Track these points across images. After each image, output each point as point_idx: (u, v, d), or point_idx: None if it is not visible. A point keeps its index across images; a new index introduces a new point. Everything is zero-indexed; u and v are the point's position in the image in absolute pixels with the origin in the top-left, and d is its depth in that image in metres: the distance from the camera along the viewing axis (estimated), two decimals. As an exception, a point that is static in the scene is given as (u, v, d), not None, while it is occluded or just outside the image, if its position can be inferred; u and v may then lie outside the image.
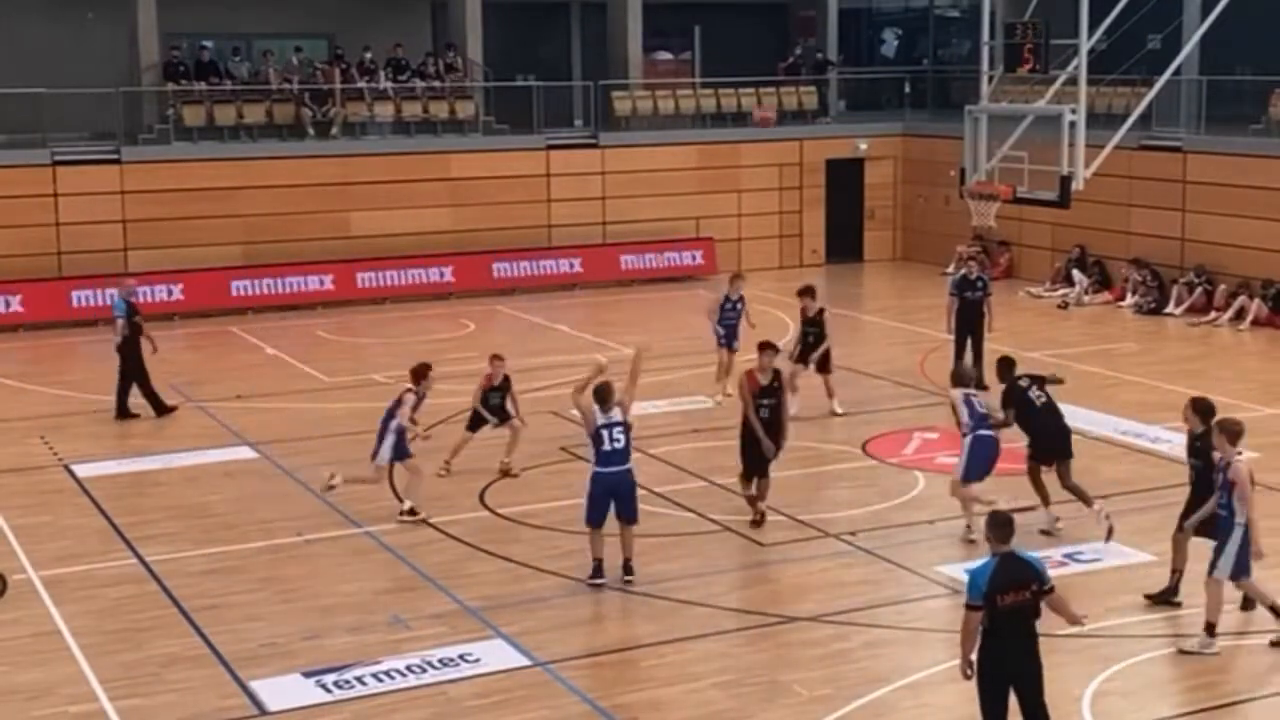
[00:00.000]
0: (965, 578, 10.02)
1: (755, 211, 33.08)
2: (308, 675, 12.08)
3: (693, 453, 18.16)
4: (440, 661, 12.31)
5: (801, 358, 19.88)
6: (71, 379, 23.27)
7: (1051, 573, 10.01)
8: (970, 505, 14.90)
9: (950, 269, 29.11)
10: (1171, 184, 28.35)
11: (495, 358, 17.58)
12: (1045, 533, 15.00)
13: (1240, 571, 12.21)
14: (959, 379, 15.58)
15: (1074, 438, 15.42)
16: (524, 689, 11.85)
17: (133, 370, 20.53)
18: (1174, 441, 18.15)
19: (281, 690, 11.83)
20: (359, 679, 12.02)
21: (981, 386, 17.19)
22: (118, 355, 20.54)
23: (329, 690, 11.83)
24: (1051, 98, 21.39)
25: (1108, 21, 21.26)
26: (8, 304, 27.23)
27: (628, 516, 13.92)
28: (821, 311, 19.96)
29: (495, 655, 12.42)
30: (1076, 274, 29.35)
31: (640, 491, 16.30)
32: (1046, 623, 9.95)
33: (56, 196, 27.83)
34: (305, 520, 16.10)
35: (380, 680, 11.99)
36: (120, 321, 20.51)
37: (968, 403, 14.99)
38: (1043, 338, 25.38)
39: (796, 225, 33.64)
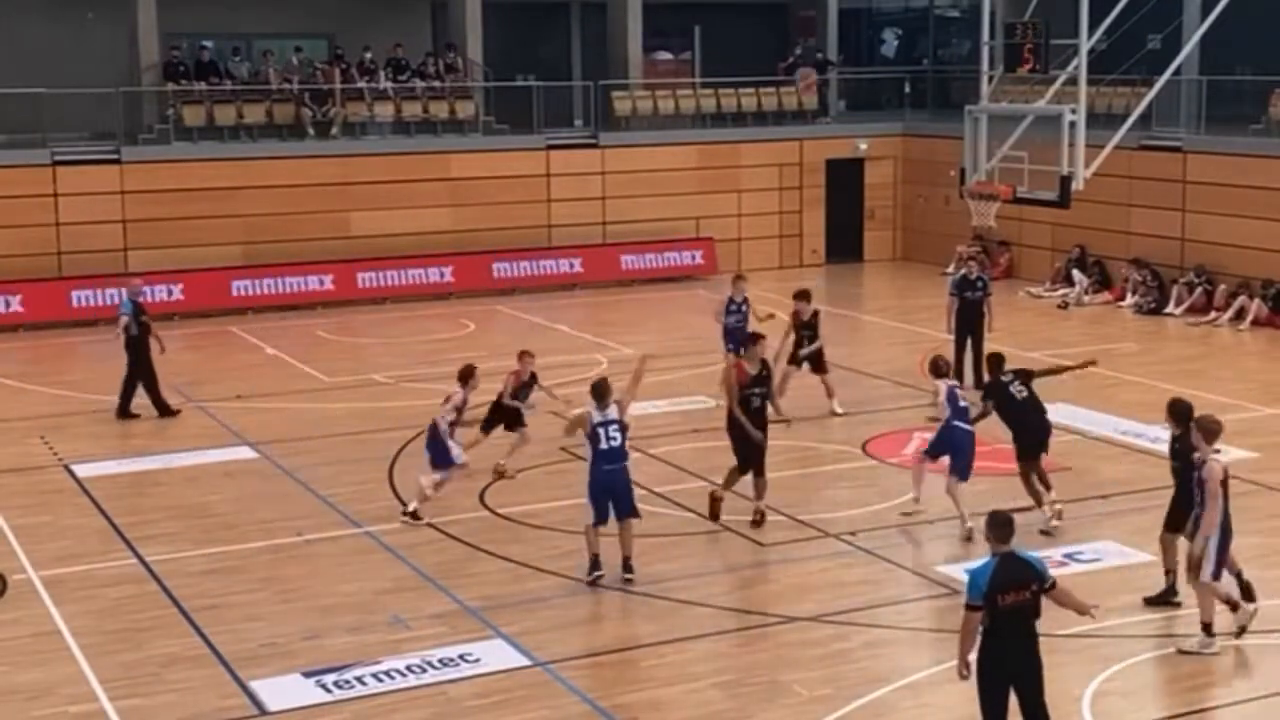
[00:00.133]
0: (965, 578, 10.01)
1: (755, 211, 33.08)
2: (308, 675, 12.07)
3: (693, 453, 18.15)
4: (440, 661, 12.31)
5: (794, 360, 19.95)
6: (71, 379, 23.28)
7: (1052, 572, 10.00)
8: (918, 480, 15.66)
9: (950, 269, 29.10)
10: (1171, 184, 28.35)
11: (525, 354, 17.41)
12: (1045, 533, 15.02)
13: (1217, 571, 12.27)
14: (939, 370, 15.85)
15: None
16: (524, 689, 11.85)
17: (141, 371, 20.55)
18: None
19: (281, 690, 11.83)
20: (359, 679, 12.02)
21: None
22: (126, 354, 20.55)
23: (329, 690, 11.83)
24: (1051, 98, 21.40)
25: (1108, 21, 21.26)
26: (8, 304, 27.24)
27: (625, 511, 13.94)
28: (816, 314, 20.04)
29: (495, 655, 12.42)
30: (1076, 274, 29.35)
31: (640, 491, 16.34)
32: (1046, 623, 9.95)
33: (56, 196, 27.83)
34: (305, 520, 16.10)
35: (380, 680, 11.99)
36: (125, 320, 20.52)
37: (950, 394, 15.35)
38: (1043, 338, 25.37)
39: (796, 225, 33.63)
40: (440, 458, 15.88)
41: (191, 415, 20.72)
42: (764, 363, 15.57)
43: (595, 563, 13.95)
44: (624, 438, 13.87)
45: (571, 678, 12.03)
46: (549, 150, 31.39)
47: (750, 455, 15.37)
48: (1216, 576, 12.25)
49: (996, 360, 15.87)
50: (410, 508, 15.95)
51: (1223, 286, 26.99)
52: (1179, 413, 12.96)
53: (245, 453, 18.88)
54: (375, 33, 32.27)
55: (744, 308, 20.79)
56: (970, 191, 21.57)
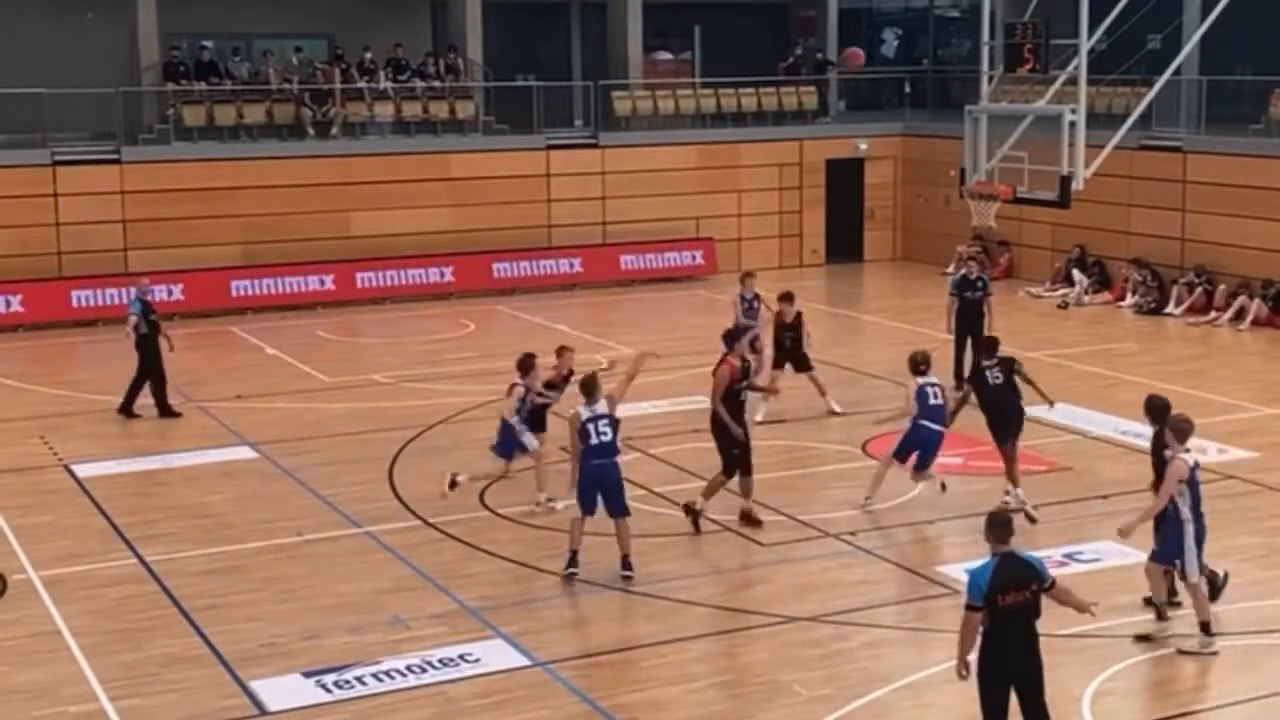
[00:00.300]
0: (965, 578, 10.01)
1: (755, 211, 33.08)
2: (308, 675, 12.08)
3: (693, 453, 18.13)
4: (440, 661, 12.31)
5: (779, 363, 20.01)
6: (71, 379, 23.29)
7: (1052, 572, 10.00)
8: (879, 478, 15.98)
9: (950, 269, 29.10)
10: (1171, 184, 28.35)
11: (564, 349, 16.99)
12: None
13: (1169, 558, 12.33)
14: (916, 366, 15.95)
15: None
16: (524, 689, 11.85)
17: (151, 370, 20.55)
18: (1174, 441, 18.15)
19: (281, 690, 11.83)
20: (359, 679, 12.02)
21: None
22: (137, 354, 20.54)
23: (329, 690, 11.83)
24: (1051, 98, 21.37)
25: (1108, 21, 21.23)
26: (8, 304, 27.24)
27: (617, 510, 13.95)
28: (799, 316, 20.10)
29: (495, 655, 12.42)
30: (1076, 274, 29.35)
31: (640, 491, 16.39)
32: (1046, 623, 9.95)
33: (56, 196, 27.84)
34: (305, 520, 16.10)
35: (380, 680, 11.99)
36: (135, 319, 20.53)
37: (920, 393, 15.63)
38: (1043, 338, 25.38)
39: (796, 225, 33.63)
40: (505, 448, 15.92)
41: (191, 415, 20.71)
42: (744, 358, 15.65)
43: (573, 559, 14.00)
44: (615, 433, 13.89)
45: (571, 678, 12.03)
46: (549, 150, 31.40)
47: (736, 456, 15.33)
48: (1162, 560, 12.39)
49: (990, 344, 16.28)
50: (542, 497, 15.93)
51: (1223, 286, 26.99)
52: (1152, 410, 13.08)
53: (245, 453, 18.88)
54: (375, 33, 32.27)
55: (755, 304, 20.77)
56: (970, 191, 21.54)
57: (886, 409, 17.37)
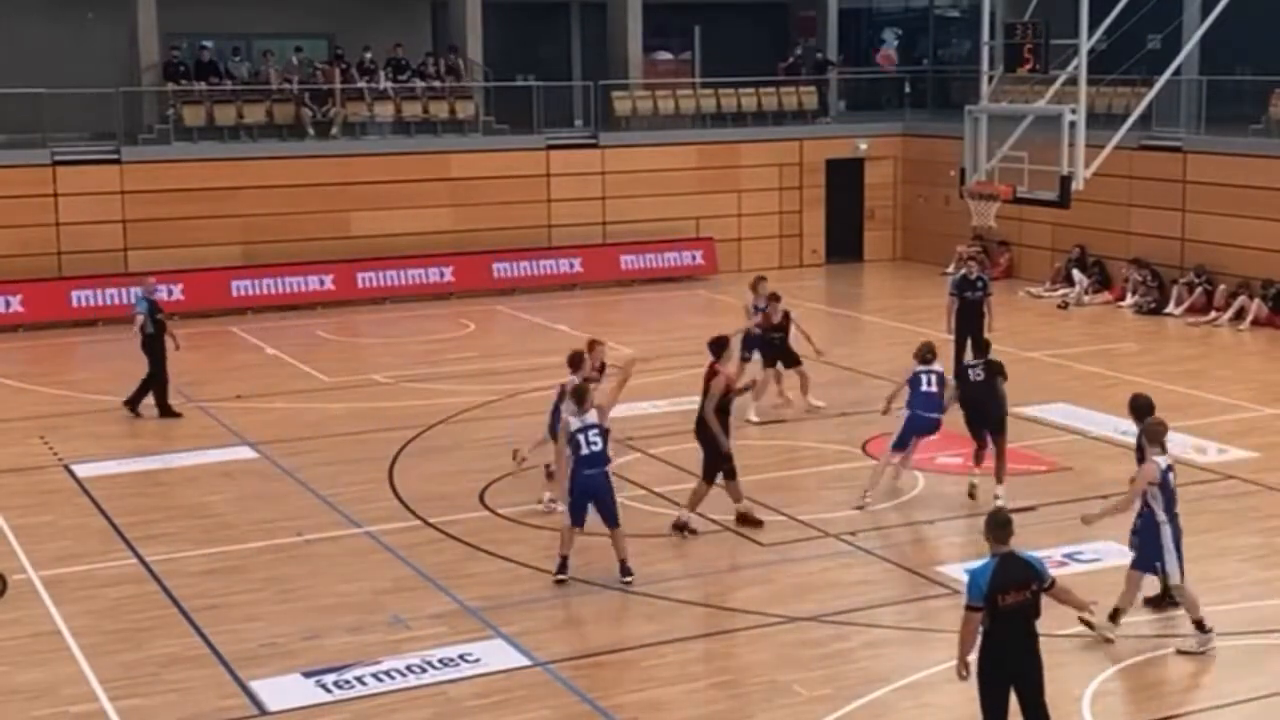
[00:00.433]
0: (965, 578, 10.01)
1: (755, 211, 33.07)
2: (308, 675, 12.08)
3: (693, 453, 18.01)
4: (440, 661, 12.31)
5: (770, 362, 20.06)
6: (71, 379, 23.29)
7: (1051, 572, 10.01)
8: (879, 471, 16.39)
9: (950, 269, 29.11)
10: (1171, 184, 28.35)
11: (595, 343, 16.71)
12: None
13: (1149, 563, 12.35)
14: (922, 355, 16.39)
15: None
16: (524, 689, 11.85)
17: (158, 370, 20.54)
18: (1173, 441, 18.01)
19: (281, 690, 11.83)
20: (359, 679, 12.02)
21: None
22: (145, 354, 20.54)
23: (329, 690, 11.83)
24: (1051, 98, 21.37)
25: (1108, 21, 21.24)
26: (8, 304, 27.23)
27: (608, 520, 13.94)
28: (787, 316, 20.11)
29: (495, 655, 12.42)
30: (1076, 274, 29.35)
31: (640, 491, 16.40)
32: (1046, 623, 9.95)
33: (56, 196, 27.83)
34: (305, 520, 16.10)
35: (380, 680, 11.99)
36: (141, 319, 20.53)
37: (914, 378, 16.25)
38: (1043, 338, 25.39)
39: (796, 225, 33.63)
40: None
41: (192, 415, 20.71)
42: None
43: (563, 565, 13.98)
44: (605, 442, 13.86)
45: (571, 678, 12.03)
46: (549, 150, 31.39)
47: (721, 460, 15.29)
48: (1139, 567, 12.46)
49: (984, 345, 16.89)
50: (545, 498, 16.01)
51: (1223, 286, 26.98)
52: (1134, 409, 13.17)
53: (245, 453, 18.88)
54: (375, 33, 32.27)
55: (767, 310, 20.70)
56: (970, 191, 21.54)
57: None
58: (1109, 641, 12.32)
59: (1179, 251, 28.24)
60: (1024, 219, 29.65)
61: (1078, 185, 20.18)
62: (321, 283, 29.19)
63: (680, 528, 15.34)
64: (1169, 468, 12.32)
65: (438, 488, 17.05)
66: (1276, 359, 24.18)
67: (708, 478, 15.30)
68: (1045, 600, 9.83)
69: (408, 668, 12.17)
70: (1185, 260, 28.05)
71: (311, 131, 30.13)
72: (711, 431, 15.09)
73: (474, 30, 32.28)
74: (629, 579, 13.94)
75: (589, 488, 13.81)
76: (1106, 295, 28.96)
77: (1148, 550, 12.37)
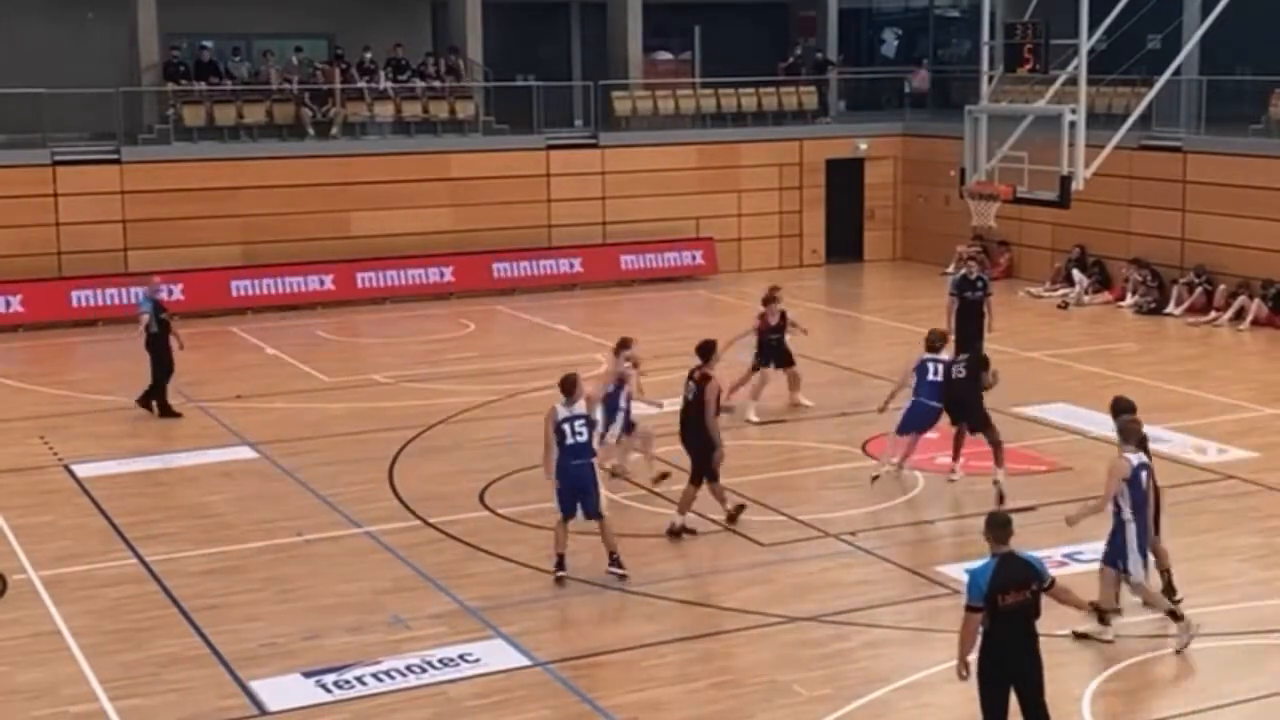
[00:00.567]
0: (965, 578, 10.01)
1: (755, 211, 33.07)
2: (308, 675, 12.08)
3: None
4: (440, 661, 12.31)
5: (766, 362, 20.07)
6: (71, 379, 23.29)
7: (1051, 572, 10.01)
8: (892, 455, 16.85)
9: (950, 269, 29.10)
10: (1171, 184, 28.35)
11: (626, 341, 17.13)
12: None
13: (1113, 559, 12.35)
14: (930, 343, 16.96)
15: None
16: (524, 689, 11.85)
17: (162, 370, 20.55)
18: (1173, 441, 18.18)
19: (281, 690, 11.83)
20: (359, 679, 12.02)
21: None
22: (149, 354, 20.55)
23: (329, 690, 11.83)
24: (1051, 98, 21.36)
25: (1108, 21, 21.23)
26: (8, 304, 27.23)
27: (590, 512, 13.94)
28: (783, 316, 20.12)
29: (495, 655, 12.42)
30: (1076, 274, 29.35)
31: (640, 491, 16.39)
32: (1047, 623, 9.96)
33: (56, 196, 27.83)
34: (305, 520, 16.10)
35: (380, 680, 11.99)
36: (146, 318, 20.55)
37: (920, 366, 16.75)
38: (1043, 338, 25.39)
39: (796, 225, 33.62)
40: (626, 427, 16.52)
41: (191, 415, 20.71)
42: None
43: (560, 562, 13.99)
44: (590, 433, 13.91)
45: (571, 678, 12.03)
46: (549, 150, 31.39)
47: (708, 464, 15.28)
48: (1110, 562, 12.41)
49: (976, 347, 17.61)
50: (654, 472, 16.52)
51: (1223, 286, 26.98)
52: (1115, 410, 13.20)
53: (245, 453, 18.88)
54: (375, 33, 32.27)
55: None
56: (970, 191, 21.54)
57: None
58: (1108, 642, 12.32)
59: (1179, 251, 28.24)
60: (1024, 219, 29.65)
61: (1078, 185, 20.18)
62: (321, 283, 29.19)
63: (676, 533, 15.33)
64: (1141, 466, 12.31)
65: (438, 488, 17.04)
66: (1276, 359, 24.18)
67: (695, 480, 15.32)
68: (1045, 600, 9.83)
69: (408, 668, 12.17)
70: (1185, 260, 28.05)
71: (311, 131, 30.13)
72: (709, 436, 15.09)
73: (474, 30, 32.28)
74: (619, 571, 13.91)
75: (575, 478, 13.81)
76: (1106, 295, 28.96)
77: (1113, 546, 12.38)
